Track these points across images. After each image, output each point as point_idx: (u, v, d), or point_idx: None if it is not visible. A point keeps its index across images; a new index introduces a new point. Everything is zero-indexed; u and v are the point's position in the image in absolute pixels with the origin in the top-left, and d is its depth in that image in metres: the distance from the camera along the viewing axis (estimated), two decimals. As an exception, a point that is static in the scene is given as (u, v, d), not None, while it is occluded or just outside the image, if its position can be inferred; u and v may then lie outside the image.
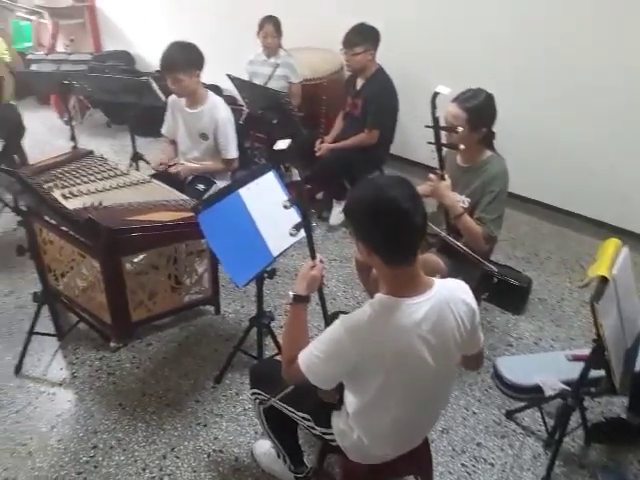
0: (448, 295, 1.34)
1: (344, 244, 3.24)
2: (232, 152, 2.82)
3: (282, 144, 1.46)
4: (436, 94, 1.91)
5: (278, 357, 2.29)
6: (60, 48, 5.45)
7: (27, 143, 3.77)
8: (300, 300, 1.50)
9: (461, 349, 1.40)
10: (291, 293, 1.50)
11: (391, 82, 3.09)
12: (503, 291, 2.72)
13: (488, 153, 2.19)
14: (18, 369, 2.32)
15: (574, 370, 1.89)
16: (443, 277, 2.02)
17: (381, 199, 1.24)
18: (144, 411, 2.16)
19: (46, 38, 5.46)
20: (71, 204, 2.19)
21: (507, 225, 3.02)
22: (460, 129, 2.00)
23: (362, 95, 3.10)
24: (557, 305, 2.82)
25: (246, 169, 3.87)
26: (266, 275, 2.10)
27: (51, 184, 2.34)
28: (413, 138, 3.77)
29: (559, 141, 3.26)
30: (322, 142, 3.29)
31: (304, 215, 1.55)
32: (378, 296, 1.32)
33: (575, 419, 1.95)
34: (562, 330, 2.65)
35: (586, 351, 1.81)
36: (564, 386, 2.03)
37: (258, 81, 3.60)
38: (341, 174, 3.27)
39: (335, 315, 2.08)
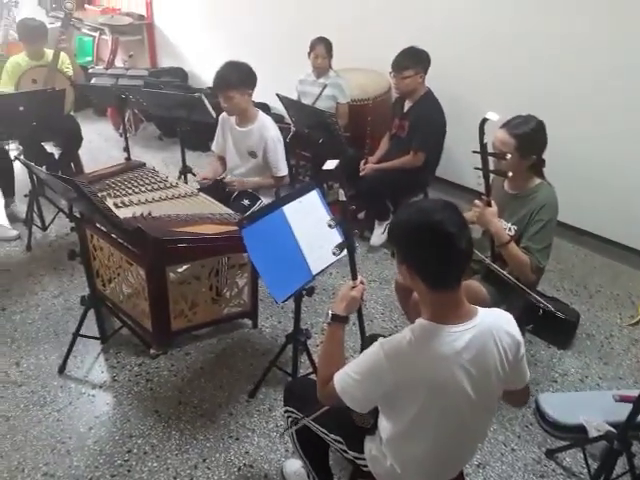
0: (492, 325, 1.31)
1: (384, 265, 3.22)
2: (283, 169, 2.87)
3: (330, 164, 1.48)
4: (485, 120, 1.89)
5: (313, 376, 2.28)
6: (118, 63, 5.74)
7: (83, 152, 3.97)
8: (339, 320, 1.49)
9: (503, 382, 1.36)
10: (330, 312, 1.50)
11: (439, 105, 3.08)
12: (549, 324, 2.62)
13: (537, 181, 2.14)
14: (62, 369, 2.40)
15: (622, 411, 1.79)
16: (486, 305, 1.98)
17: (427, 223, 1.23)
18: (179, 419, 2.19)
19: (106, 53, 5.76)
20: (122, 213, 2.27)
21: (555, 255, 2.95)
22: (509, 156, 1.96)
23: (409, 117, 3.11)
24: (605, 342, 2.70)
25: (289, 185, 3.96)
26: (305, 292, 2.11)
27: (104, 193, 2.44)
28: (459, 161, 3.73)
29: (614, 172, 3.15)
30: (367, 162, 3.30)
31: (347, 235, 1.55)
32: (419, 321, 1.31)
33: (621, 464, 1.85)
34: (610, 368, 2.53)
35: (635, 392, 1.72)
36: (610, 428, 1.93)
37: (307, 100, 3.66)
38: (384, 195, 3.27)
39: (372, 338, 2.06)
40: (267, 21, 4.71)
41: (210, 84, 5.21)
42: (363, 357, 1.32)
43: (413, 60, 2.96)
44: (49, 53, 3.63)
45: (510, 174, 2.02)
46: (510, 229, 2.15)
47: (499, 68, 3.42)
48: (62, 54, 3.61)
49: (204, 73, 5.53)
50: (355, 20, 4.06)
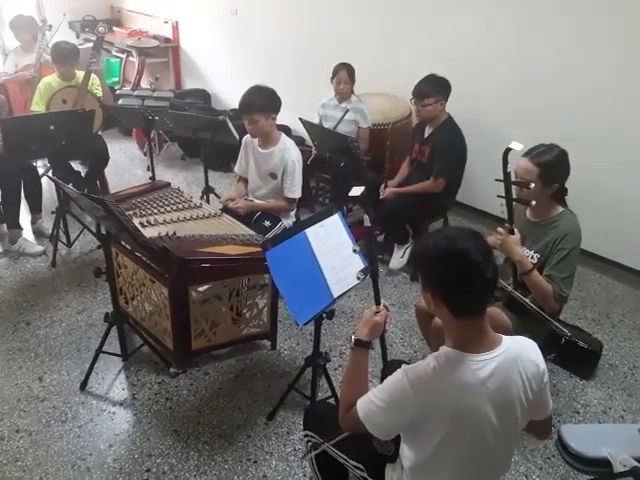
0: (517, 354, 1.31)
1: (403, 289, 3.22)
2: (295, 192, 2.90)
3: (357, 191, 1.50)
4: (509, 150, 1.90)
5: (332, 400, 2.28)
6: (144, 84, 5.89)
7: (108, 170, 4.08)
8: (362, 345, 1.50)
9: (527, 412, 1.35)
10: (353, 337, 1.51)
11: (460, 132, 3.11)
12: (571, 353, 2.59)
13: (560, 209, 2.14)
14: (83, 385, 2.43)
15: (649, 446, 1.77)
16: (507, 333, 1.97)
17: (454, 250, 1.24)
18: (197, 440, 2.20)
19: (132, 74, 5.91)
20: (148, 232, 2.31)
21: (577, 283, 2.93)
22: (532, 185, 1.98)
23: (430, 143, 3.13)
24: (629, 373, 2.65)
25: (309, 207, 4.01)
26: (325, 316, 2.12)
27: (131, 212, 2.50)
28: (479, 186, 3.75)
29: (638, 201, 3.14)
30: (386, 186, 3.32)
31: (371, 260, 1.56)
32: (443, 349, 1.31)
33: (648, 501, 1.81)
34: (634, 400, 2.48)
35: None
36: (637, 463, 1.89)
37: (328, 124, 3.72)
38: (404, 219, 3.29)
39: (393, 363, 2.06)
40: (290, 46, 4.82)
41: (232, 106, 5.37)
42: (387, 384, 1.32)
43: (434, 88, 2.99)
44: (80, 74, 3.76)
45: (534, 203, 2.02)
46: (532, 257, 2.15)
47: (524, 96, 3.45)
48: (92, 75, 3.74)
49: (227, 95, 5.67)
50: (378, 46, 4.14)
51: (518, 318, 2.15)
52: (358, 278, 1.54)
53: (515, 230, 2.07)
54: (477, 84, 3.60)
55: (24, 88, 4.37)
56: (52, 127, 3.08)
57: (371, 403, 1.32)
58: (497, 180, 1.96)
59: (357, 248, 1.59)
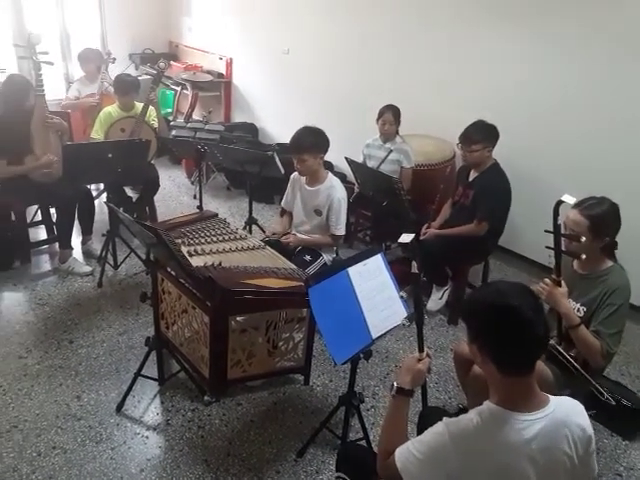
0: (564, 416, 1.27)
1: (440, 332, 3.17)
2: (341, 230, 2.95)
3: (406, 238, 1.52)
4: (560, 202, 1.89)
5: (363, 442, 2.25)
6: (195, 115, 6.15)
7: (156, 196, 4.22)
8: (404, 394, 1.48)
9: (570, 477, 1.30)
10: (395, 385, 1.50)
11: (505, 178, 3.10)
12: (614, 411, 2.48)
13: (609, 263, 2.10)
14: (120, 407, 2.47)
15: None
16: (549, 387, 1.91)
17: (504, 306, 1.23)
18: (226, 472, 2.19)
19: (185, 106, 6.18)
20: (194, 261, 2.38)
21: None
22: (583, 239, 1.95)
23: (475, 187, 3.13)
24: (677, 437, 2.51)
25: (347, 242, 4.04)
26: (362, 356, 2.11)
27: (180, 240, 2.58)
28: (522, 232, 3.71)
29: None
30: (428, 227, 3.33)
31: (417, 307, 1.56)
32: (487, 405, 1.29)
33: None
34: (683, 468, 2.34)
35: None
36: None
37: (372, 163, 3.79)
38: (444, 261, 3.27)
39: (431, 411, 2.03)
40: (337, 86, 4.96)
41: (278, 140, 5.53)
42: (427, 436, 1.30)
43: (482, 134, 3.01)
44: (138, 106, 3.97)
45: (584, 257, 1.99)
46: (579, 310, 2.10)
47: (572, 144, 3.43)
48: (150, 107, 3.94)
49: (273, 129, 5.85)
50: (425, 90, 4.22)
51: (561, 372, 2.08)
52: (404, 325, 1.54)
53: (562, 283, 2.04)
54: (522, 131, 3.60)
55: (85, 115, 4.65)
56: (110, 155, 3.24)
57: (410, 454, 1.30)
58: (547, 231, 1.94)
59: (404, 295, 1.60)
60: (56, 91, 6.43)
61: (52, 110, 3.67)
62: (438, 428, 1.29)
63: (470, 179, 3.19)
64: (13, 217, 3.61)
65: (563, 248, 2.02)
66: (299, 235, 3.03)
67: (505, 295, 1.25)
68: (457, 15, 3.88)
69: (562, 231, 2.00)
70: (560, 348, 2.05)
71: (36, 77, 3.38)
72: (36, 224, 3.95)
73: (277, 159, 3.44)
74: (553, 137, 3.52)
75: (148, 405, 2.52)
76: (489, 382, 1.32)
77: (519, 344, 1.21)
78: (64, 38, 6.45)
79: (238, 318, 2.55)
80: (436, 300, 3.33)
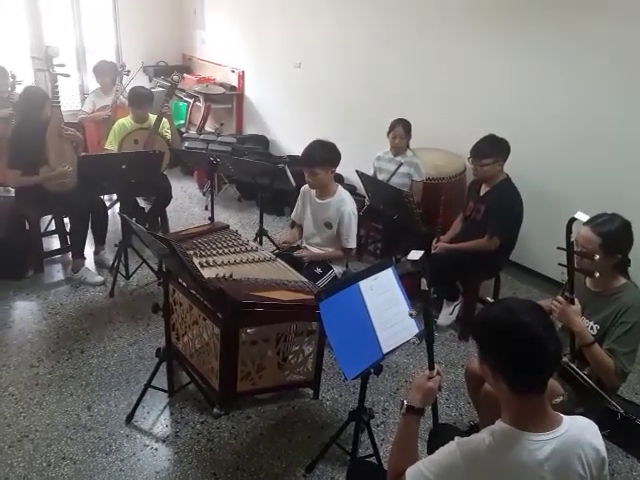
0: (577, 437, 1.26)
1: (451, 347, 3.15)
2: (352, 243, 2.96)
3: (416, 255, 1.52)
4: (573, 220, 1.89)
5: (373, 459, 2.23)
6: (208, 127, 6.21)
7: (168, 207, 4.25)
8: (414, 412, 1.47)
9: (583, 498, 1.28)
10: (405, 403, 1.48)
11: (517, 192, 3.09)
12: (628, 431, 2.41)
13: (622, 280, 2.08)
14: (129, 418, 2.48)
15: None
16: (562, 405, 1.89)
17: (515, 324, 1.22)
18: (235, 486, 2.19)
19: (198, 118, 6.25)
20: (206, 273, 2.39)
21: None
22: (596, 257, 1.94)
23: (486, 201, 3.13)
24: (694, 459, 2.47)
25: (357, 255, 4.04)
26: (373, 371, 2.10)
27: (191, 252, 2.60)
28: (533, 246, 3.69)
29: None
30: (438, 241, 3.32)
31: (427, 324, 1.56)
32: (500, 425, 1.27)
33: None
34: (700, 492, 2.29)
35: None
36: None
37: (382, 176, 3.80)
38: (455, 275, 3.25)
39: (442, 428, 2.01)
40: (349, 99, 4.99)
41: (289, 152, 5.56)
42: (439, 455, 1.29)
43: (493, 148, 3.01)
44: (152, 117, 4.02)
45: (597, 275, 1.98)
46: (592, 328, 2.08)
47: (587, 160, 3.42)
48: (163, 119, 3.99)
49: (285, 142, 5.89)
50: (436, 103, 4.23)
51: (574, 390, 2.06)
52: (414, 342, 1.53)
53: (576, 300, 2.02)
54: (534, 145, 3.60)
55: (99, 127, 4.72)
56: (124, 166, 3.28)
57: (421, 473, 1.29)
58: (559, 248, 1.93)
59: (413, 312, 1.60)
60: (71, 103, 6.57)
61: (67, 121, 3.73)
62: (450, 447, 1.28)
63: (481, 194, 3.19)
64: (27, 226, 3.66)
65: (576, 265, 2.01)
66: (312, 249, 3.04)
67: (515, 312, 1.24)
68: (469, 30, 3.91)
69: (575, 248, 1.98)
70: (574, 365, 2.02)
71: (52, 89, 3.44)
72: (50, 234, 4.00)
73: (288, 172, 3.46)
74: (565, 151, 3.51)
75: (158, 417, 2.52)
76: (501, 401, 1.31)
77: (530, 362, 1.21)
78: (80, 51, 6.57)
79: (248, 330, 2.56)
80: (447, 315, 3.31)
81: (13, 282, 3.51)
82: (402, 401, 1.50)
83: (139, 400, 2.50)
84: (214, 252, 2.66)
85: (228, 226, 3.02)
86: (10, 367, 2.78)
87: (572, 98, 3.43)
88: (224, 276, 2.41)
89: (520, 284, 3.89)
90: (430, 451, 1.92)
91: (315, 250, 3.04)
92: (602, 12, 3.17)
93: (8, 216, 3.65)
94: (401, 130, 3.70)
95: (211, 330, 2.45)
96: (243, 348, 2.42)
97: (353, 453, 2.23)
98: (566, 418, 1.29)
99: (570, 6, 3.32)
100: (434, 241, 3.34)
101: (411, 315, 1.62)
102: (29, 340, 3.00)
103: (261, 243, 3.68)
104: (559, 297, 2.04)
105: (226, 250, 2.70)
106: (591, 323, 2.09)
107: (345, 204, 2.91)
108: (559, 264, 1.97)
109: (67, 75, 3.60)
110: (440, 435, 1.59)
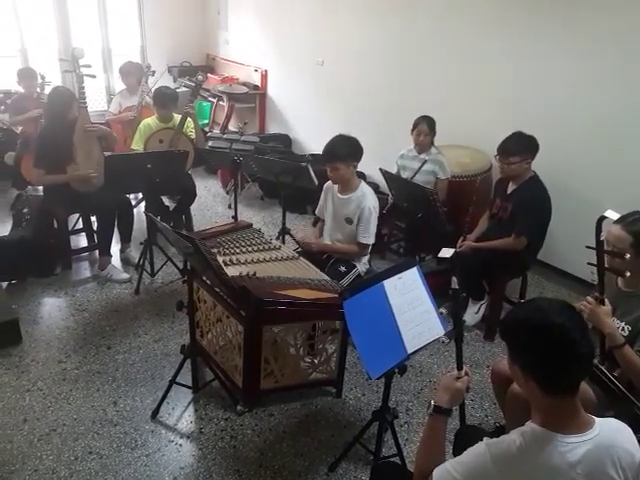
0: (611, 440, 1.22)
1: (476, 347, 3.09)
2: (368, 239, 2.92)
3: (447, 252, 1.50)
4: (603, 218, 1.83)
5: (397, 459, 2.21)
6: (231, 126, 6.25)
7: (192, 205, 4.28)
8: (441, 412, 1.44)
9: (617, 503, 1.24)
10: (432, 403, 1.46)
11: (545, 191, 3.02)
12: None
13: (655, 280, 2.01)
14: (155, 414, 2.51)
15: None
16: (592, 408, 1.84)
17: (547, 324, 1.19)
18: (258, 483, 2.19)
19: (221, 117, 6.30)
20: (230, 271, 2.40)
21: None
22: (627, 256, 1.88)
23: (513, 199, 3.06)
24: None
25: (380, 253, 4.02)
26: (397, 371, 2.08)
27: (216, 250, 2.62)
28: (561, 245, 3.61)
29: None
30: (464, 239, 3.27)
31: (457, 323, 1.53)
32: (531, 426, 1.24)
33: None
34: None
35: None
36: None
37: (406, 174, 3.76)
38: (481, 274, 3.20)
39: (468, 429, 1.98)
40: (371, 96, 4.96)
41: (311, 151, 5.56)
42: (467, 457, 1.27)
43: (520, 146, 2.94)
44: (176, 117, 4.06)
45: (628, 274, 1.92)
46: (623, 329, 2.01)
47: (617, 157, 3.33)
48: (187, 119, 4.02)
49: (307, 140, 5.89)
50: (461, 100, 4.17)
51: (604, 393, 2.00)
52: (443, 342, 1.51)
53: (606, 301, 1.96)
54: (561, 142, 3.52)
55: (125, 127, 4.79)
56: (149, 165, 3.32)
57: (449, 475, 1.27)
58: (588, 247, 1.87)
59: (444, 311, 1.57)
60: (98, 103, 6.70)
61: (94, 121, 3.79)
62: (479, 449, 1.25)
63: (508, 191, 3.12)
64: (55, 225, 3.74)
65: (606, 265, 1.95)
66: (324, 242, 3.02)
67: (548, 313, 1.21)
68: (496, 27, 3.84)
69: (605, 247, 1.93)
70: (603, 368, 1.97)
71: (79, 90, 3.51)
72: (77, 232, 4.07)
73: (311, 170, 3.45)
74: (594, 148, 3.42)
75: (182, 413, 2.54)
76: (532, 403, 1.28)
77: (563, 364, 1.17)
78: (106, 52, 6.70)
79: (272, 328, 2.57)
80: (472, 314, 3.26)
81: (42, 279, 3.59)
82: (429, 401, 1.47)
83: (164, 396, 2.53)
84: (238, 250, 2.67)
85: (251, 224, 3.03)
86: (39, 362, 2.84)
87: (601, 94, 3.34)
88: (247, 274, 2.42)
89: (548, 283, 3.81)
90: (456, 452, 1.89)
91: (327, 243, 3.01)
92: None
93: (37, 215, 3.73)
94: (425, 127, 3.66)
95: (235, 328, 2.46)
96: (266, 346, 2.43)
97: (376, 453, 2.21)
98: (598, 420, 1.26)
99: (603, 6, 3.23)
100: (460, 240, 3.29)
101: (441, 314, 1.59)
102: (57, 336, 3.06)
103: (284, 241, 3.69)
104: (588, 298, 1.98)
105: (249, 248, 2.71)
106: (622, 324, 2.02)
107: (366, 199, 2.89)
108: (588, 263, 1.91)
109: (93, 76, 3.66)
110: (466, 436, 1.56)
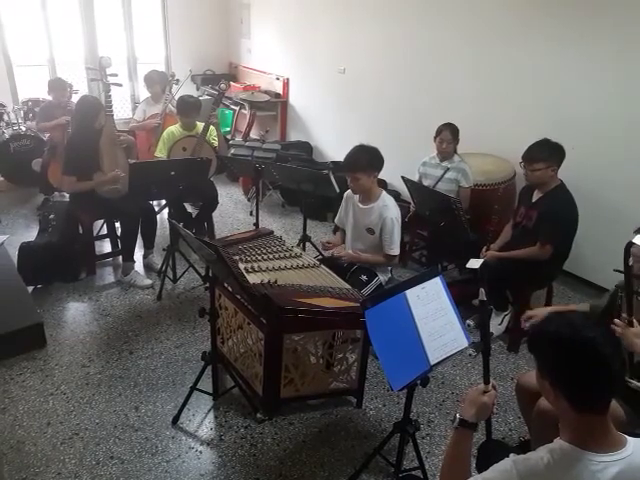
0: (645, 461, 1.17)
1: (499, 359, 3.03)
2: (395, 249, 2.90)
3: (475, 263, 1.47)
4: (632, 244, 1.78)
5: (418, 472, 2.17)
6: (253, 134, 6.29)
7: (214, 212, 4.32)
8: (467, 427, 1.41)
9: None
10: (458, 417, 1.43)
11: (572, 200, 2.95)
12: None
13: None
14: (175, 420, 2.51)
15: None
16: (620, 425, 1.78)
17: (578, 340, 1.16)
18: (278, 493, 2.18)
19: (243, 125, 6.35)
20: (251, 278, 2.41)
21: None
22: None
23: (538, 208, 3.00)
24: None
25: (401, 262, 3.98)
26: (419, 383, 2.05)
27: (237, 257, 2.63)
28: (587, 255, 3.53)
29: None
30: (488, 249, 3.22)
31: (484, 336, 1.50)
32: (560, 443, 1.20)
33: None
34: None
35: None
36: None
37: (428, 182, 3.73)
38: (505, 284, 3.14)
39: (492, 445, 1.93)
40: (393, 104, 4.94)
41: (332, 158, 5.56)
42: (492, 473, 1.23)
43: (546, 153, 2.89)
44: (200, 125, 4.10)
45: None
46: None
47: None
48: (210, 127, 4.06)
49: (328, 148, 5.90)
50: (484, 107, 4.13)
51: (633, 410, 1.94)
52: (470, 355, 1.48)
53: (635, 322, 1.90)
54: (588, 150, 3.46)
55: (149, 135, 4.87)
56: (173, 172, 3.36)
57: (474, 491, 1.24)
58: (616, 270, 1.83)
59: (471, 323, 1.54)
60: (123, 111, 6.82)
61: (119, 129, 3.86)
62: (505, 465, 1.22)
63: (534, 200, 3.07)
64: (81, 230, 3.80)
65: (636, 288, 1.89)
66: (358, 253, 3.01)
67: (578, 328, 1.17)
68: (523, 36, 3.79)
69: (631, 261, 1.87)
70: (633, 385, 1.90)
71: (105, 98, 3.57)
72: (102, 237, 4.14)
73: (332, 178, 3.45)
74: (621, 156, 3.35)
75: (202, 419, 2.55)
76: (561, 419, 1.24)
77: (596, 380, 1.14)
78: (131, 61, 6.82)
79: (292, 336, 2.56)
80: (496, 325, 3.19)
81: (67, 284, 3.65)
82: (455, 414, 1.44)
83: (185, 402, 2.54)
84: (259, 258, 2.68)
85: (272, 232, 3.03)
86: (63, 366, 2.88)
87: (631, 100, 3.26)
88: (269, 282, 2.42)
89: (574, 295, 3.73)
90: (479, 467, 1.84)
91: (356, 254, 3.00)
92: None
93: (63, 220, 3.80)
94: (448, 135, 3.63)
95: (255, 335, 2.46)
96: (287, 354, 2.42)
97: (397, 465, 2.18)
98: (630, 439, 1.21)
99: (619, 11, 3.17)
100: (483, 249, 3.24)
101: (468, 326, 1.55)
102: (81, 340, 3.10)
103: (304, 249, 3.68)
104: (617, 320, 1.93)
105: (271, 256, 2.71)
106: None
107: (388, 210, 2.87)
108: (615, 270, 1.86)
109: (120, 85, 3.73)
110: (490, 451, 1.52)
